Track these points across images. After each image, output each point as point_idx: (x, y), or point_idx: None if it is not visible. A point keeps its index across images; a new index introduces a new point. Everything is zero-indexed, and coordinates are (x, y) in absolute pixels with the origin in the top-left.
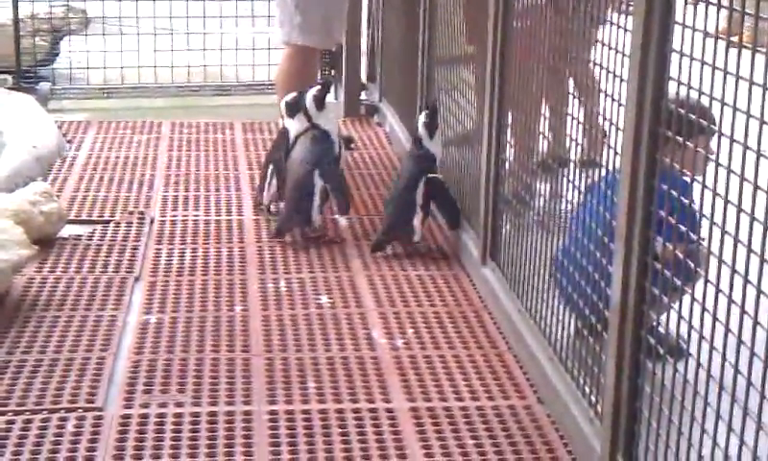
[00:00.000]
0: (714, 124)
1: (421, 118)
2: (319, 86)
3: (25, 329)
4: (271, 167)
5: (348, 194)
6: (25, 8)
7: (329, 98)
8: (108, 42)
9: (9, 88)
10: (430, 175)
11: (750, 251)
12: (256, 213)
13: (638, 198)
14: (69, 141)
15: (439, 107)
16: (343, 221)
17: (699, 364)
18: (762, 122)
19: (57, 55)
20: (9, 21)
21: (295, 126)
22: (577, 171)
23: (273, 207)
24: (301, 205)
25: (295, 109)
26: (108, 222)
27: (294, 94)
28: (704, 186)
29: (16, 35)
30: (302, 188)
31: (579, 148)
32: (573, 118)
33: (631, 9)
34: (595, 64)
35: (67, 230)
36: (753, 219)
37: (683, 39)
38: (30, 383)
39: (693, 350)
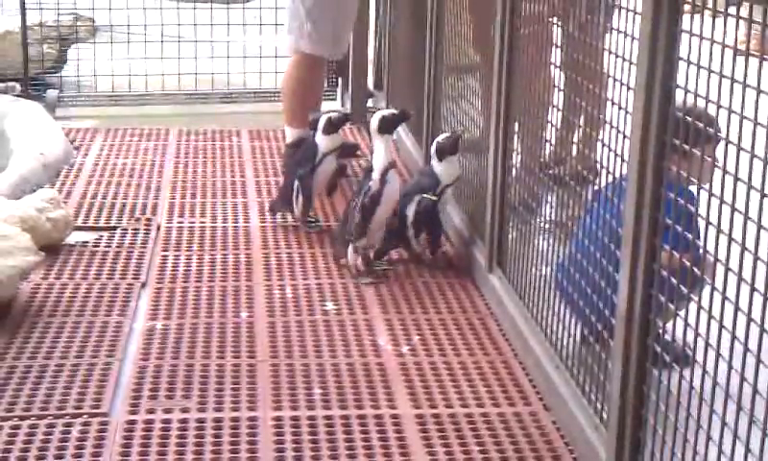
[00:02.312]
0: (719, 132)
1: (439, 138)
2: (395, 112)
3: (31, 335)
4: (297, 183)
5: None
6: (33, 16)
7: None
8: (115, 50)
9: (17, 96)
10: (424, 195)
11: (756, 258)
12: (263, 220)
13: (645, 205)
14: (76, 148)
15: (462, 138)
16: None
17: (705, 371)
18: None
19: (64, 62)
20: (17, 29)
21: (326, 143)
22: (585, 179)
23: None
24: (343, 237)
25: (335, 127)
26: (114, 228)
27: (338, 113)
28: (710, 194)
29: (24, 42)
30: (344, 223)
31: (587, 156)
32: (581, 127)
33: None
34: (603, 72)
35: (74, 237)
36: (759, 227)
37: (690, 48)
38: (35, 389)
39: (699, 357)
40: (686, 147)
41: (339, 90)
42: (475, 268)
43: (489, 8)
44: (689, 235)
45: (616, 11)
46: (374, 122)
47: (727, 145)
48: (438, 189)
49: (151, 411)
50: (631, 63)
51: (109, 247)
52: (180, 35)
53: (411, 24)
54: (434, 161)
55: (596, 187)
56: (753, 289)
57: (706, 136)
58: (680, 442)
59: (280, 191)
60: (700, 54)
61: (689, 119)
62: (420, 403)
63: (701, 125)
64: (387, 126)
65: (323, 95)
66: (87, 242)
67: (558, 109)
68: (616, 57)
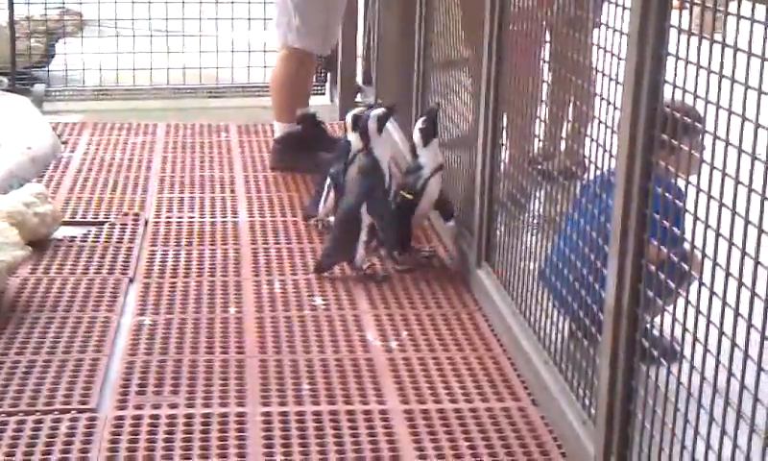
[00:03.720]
0: (702, 125)
1: (418, 124)
2: (384, 109)
3: (19, 331)
4: (328, 181)
5: (396, 231)
6: (21, 10)
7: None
8: (103, 44)
9: (4, 90)
10: (401, 192)
11: (744, 253)
12: (251, 215)
13: (633, 200)
14: (64, 143)
15: (438, 113)
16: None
17: (693, 367)
18: (757, 125)
19: (52, 57)
20: (4, 23)
21: (357, 141)
22: (573, 174)
23: (327, 220)
24: (346, 241)
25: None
26: (102, 223)
27: (362, 108)
28: (698, 189)
29: (12, 36)
30: (348, 223)
31: (576, 151)
32: (571, 123)
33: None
34: (592, 68)
35: (62, 232)
36: (747, 222)
37: (678, 44)
38: (23, 384)
39: (687, 352)
40: (674, 142)
41: (328, 85)
42: (463, 263)
43: (478, 2)
44: (677, 230)
45: (605, 6)
46: (373, 124)
47: (714, 140)
48: (419, 185)
49: (139, 407)
50: (619, 59)
51: (97, 242)
52: (169, 29)
53: (400, 18)
54: (419, 150)
55: (583, 182)
56: (740, 284)
57: (693, 130)
58: (668, 437)
59: (313, 196)
60: (688, 49)
61: (676, 114)
62: (409, 398)
63: (687, 120)
64: (383, 125)
65: (311, 90)
66: (75, 237)
67: (546, 105)
68: (605, 52)
